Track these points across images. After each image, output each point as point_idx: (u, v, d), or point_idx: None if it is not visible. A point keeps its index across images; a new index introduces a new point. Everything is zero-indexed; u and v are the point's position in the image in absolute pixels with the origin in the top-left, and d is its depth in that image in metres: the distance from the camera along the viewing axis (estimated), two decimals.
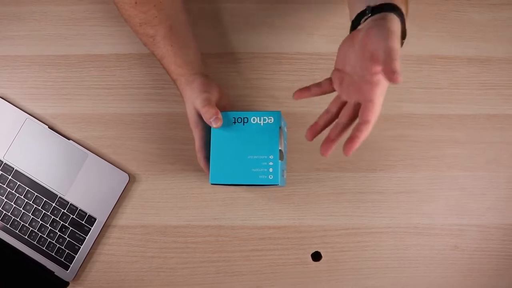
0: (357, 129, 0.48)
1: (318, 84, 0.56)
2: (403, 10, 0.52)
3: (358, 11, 0.53)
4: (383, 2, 0.50)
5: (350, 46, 0.52)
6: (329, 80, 0.55)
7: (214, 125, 0.56)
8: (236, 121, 0.56)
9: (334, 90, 0.55)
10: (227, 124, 0.56)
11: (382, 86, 0.48)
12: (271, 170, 0.55)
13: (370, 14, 0.51)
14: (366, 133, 0.48)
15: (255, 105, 0.70)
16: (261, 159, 0.55)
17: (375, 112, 0.48)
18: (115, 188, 0.68)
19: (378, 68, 0.46)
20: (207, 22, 0.72)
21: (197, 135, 0.60)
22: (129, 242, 0.68)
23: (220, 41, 0.72)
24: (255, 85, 0.70)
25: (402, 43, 0.53)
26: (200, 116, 0.58)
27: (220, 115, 0.56)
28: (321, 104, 0.69)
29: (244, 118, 0.56)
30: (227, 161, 0.56)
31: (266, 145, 0.55)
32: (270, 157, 0.55)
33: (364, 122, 0.48)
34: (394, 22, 0.49)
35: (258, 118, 0.56)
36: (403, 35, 0.52)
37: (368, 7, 0.52)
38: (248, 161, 0.55)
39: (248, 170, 0.55)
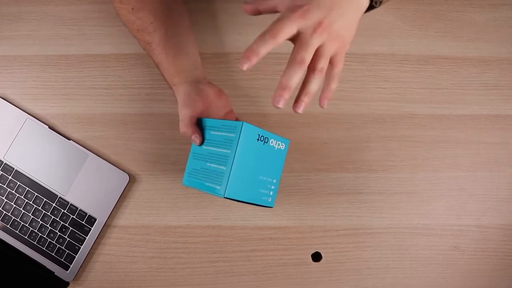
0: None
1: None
2: None
3: None
4: None
5: None
6: None
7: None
8: (259, 138, 0.55)
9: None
10: (253, 140, 0.55)
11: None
12: (271, 193, 0.56)
13: None
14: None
15: (254, 105, 0.70)
16: (268, 182, 0.55)
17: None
18: (115, 188, 0.68)
19: None
20: (206, 22, 0.72)
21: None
22: (129, 242, 0.68)
23: (220, 41, 0.71)
24: (255, 85, 0.70)
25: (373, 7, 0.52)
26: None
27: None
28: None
29: (265, 138, 0.56)
30: (245, 178, 0.54)
31: (274, 169, 0.56)
32: (273, 181, 0.56)
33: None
34: None
35: (275, 141, 0.56)
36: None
37: None
38: (259, 181, 0.55)
39: (257, 190, 0.55)
